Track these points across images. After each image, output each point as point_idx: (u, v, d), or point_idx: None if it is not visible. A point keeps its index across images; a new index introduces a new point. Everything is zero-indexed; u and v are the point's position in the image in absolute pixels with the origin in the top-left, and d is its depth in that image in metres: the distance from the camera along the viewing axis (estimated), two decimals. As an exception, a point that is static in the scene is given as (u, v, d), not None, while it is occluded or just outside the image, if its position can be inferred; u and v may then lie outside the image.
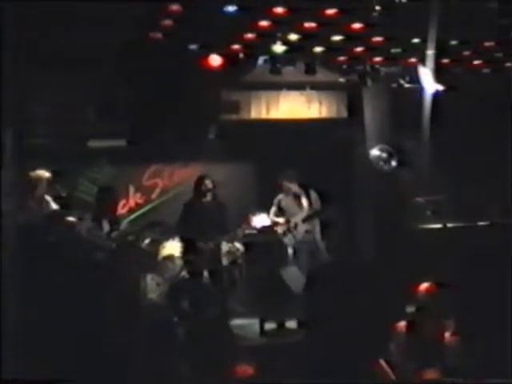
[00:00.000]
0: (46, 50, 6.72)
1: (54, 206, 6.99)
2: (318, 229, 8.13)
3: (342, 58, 8.06)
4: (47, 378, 4.46)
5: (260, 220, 8.27)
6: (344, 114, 9.26)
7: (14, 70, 5.76)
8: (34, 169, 6.98)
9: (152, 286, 7.55)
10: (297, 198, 8.16)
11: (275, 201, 8.25)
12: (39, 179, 7.14)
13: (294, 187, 8.10)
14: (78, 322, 5.54)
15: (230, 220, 7.73)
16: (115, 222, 7.28)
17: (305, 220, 8.06)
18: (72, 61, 7.24)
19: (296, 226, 8.07)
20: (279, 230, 8.16)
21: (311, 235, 8.08)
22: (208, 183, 7.61)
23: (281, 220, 8.15)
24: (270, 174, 8.92)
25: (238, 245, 8.27)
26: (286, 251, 8.12)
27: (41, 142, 7.67)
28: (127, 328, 5.84)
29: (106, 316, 5.89)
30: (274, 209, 8.24)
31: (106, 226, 7.05)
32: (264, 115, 9.11)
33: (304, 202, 8.12)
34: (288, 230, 8.10)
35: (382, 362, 4.92)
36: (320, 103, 9.20)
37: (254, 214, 8.45)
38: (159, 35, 6.81)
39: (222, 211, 7.62)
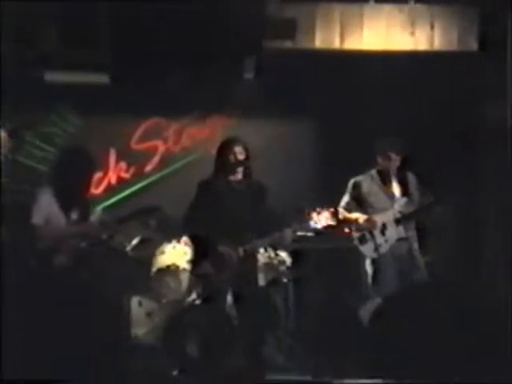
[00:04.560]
0: None
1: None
2: (415, 235, 7.67)
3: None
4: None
5: (320, 215, 7.36)
6: (472, 45, 8.65)
7: None
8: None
9: (139, 315, 7.40)
10: (388, 183, 7.73)
11: (350, 185, 7.76)
12: None
13: (394, 165, 7.68)
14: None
15: (271, 213, 7.17)
16: (84, 207, 6.94)
17: (399, 220, 7.61)
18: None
19: (385, 228, 7.65)
20: (355, 232, 7.69)
21: (406, 245, 7.61)
22: (239, 151, 7.03)
23: (360, 217, 7.69)
24: (339, 139, 8.78)
25: (282, 254, 7.86)
26: (363, 267, 7.71)
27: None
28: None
29: (62, 362, 5.79)
30: (347, 198, 7.77)
31: (68, 214, 6.80)
32: (336, 43, 8.63)
33: (398, 191, 7.70)
34: (370, 234, 7.64)
35: None
36: (431, 27, 8.65)
37: (310, 204, 7.51)
38: None
39: (260, 198, 7.13)
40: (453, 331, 6.16)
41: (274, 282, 7.80)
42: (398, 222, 7.60)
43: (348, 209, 7.78)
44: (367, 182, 7.77)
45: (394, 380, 6.11)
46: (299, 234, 7.46)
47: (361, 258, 7.74)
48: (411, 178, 7.74)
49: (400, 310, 6.80)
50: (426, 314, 6.42)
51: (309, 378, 6.99)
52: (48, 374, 5.56)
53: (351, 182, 7.79)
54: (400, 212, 7.63)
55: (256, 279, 7.30)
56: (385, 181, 7.76)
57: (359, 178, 7.78)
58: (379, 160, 7.72)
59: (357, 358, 6.74)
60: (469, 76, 8.67)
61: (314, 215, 7.01)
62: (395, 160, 7.69)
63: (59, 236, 6.69)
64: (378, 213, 7.63)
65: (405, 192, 7.73)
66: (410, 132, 8.07)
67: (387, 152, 7.70)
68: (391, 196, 7.71)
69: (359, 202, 7.78)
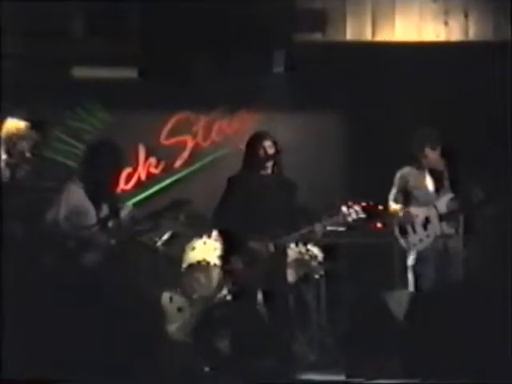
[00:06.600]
0: None
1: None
2: (461, 230, 7.60)
3: None
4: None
5: (351, 209, 7.34)
6: (509, 34, 8.48)
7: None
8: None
9: (171, 311, 7.32)
10: (436, 175, 7.69)
11: (398, 177, 7.74)
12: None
13: (435, 157, 7.58)
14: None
15: (301, 208, 7.23)
16: (114, 203, 6.88)
17: (443, 216, 7.59)
18: None
19: (427, 222, 7.62)
20: (396, 225, 7.68)
21: (448, 242, 7.57)
22: (269, 146, 7.05)
23: (399, 209, 7.69)
24: (370, 133, 8.76)
25: (314, 249, 7.79)
26: (403, 262, 7.71)
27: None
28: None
29: (92, 361, 5.77)
30: (395, 190, 7.75)
31: (98, 211, 6.74)
32: (367, 35, 8.72)
33: (444, 186, 7.65)
34: (412, 228, 7.63)
35: None
36: (465, 15, 8.68)
37: (342, 198, 7.54)
38: None
39: (290, 192, 7.16)
40: (491, 331, 5.91)
41: (305, 278, 7.80)
42: (441, 217, 7.59)
43: (396, 201, 7.79)
44: (414, 174, 7.74)
45: (431, 380, 5.95)
46: (330, 228, 7.43)
47: (395, 252, 7.79)
48: (457, 173, 7.70)
49: (436, 307, 6.64)
50: (464, 312, 6.25)
51: (342, 375, 6.90)
52: (70, 375, 5.50)
53: (398, 174, 7.78)
54: (447, 207, 7.62)
55: (286, 275, 7.33)
56: (430, 174, 7.73)
57: (406, 170, 7.77)
58: (417, 156, 7.67)
59: (391, 355, 6.68)
60: (505, 67, 8.39)
61: (345, 209, 7.02)
62: (432, 154, 7.65)
63: (84, 232, 6.66)
64: (422, 206, 7.62)
65: (451, 188, 7.69)
66: (448, 126, 7.89)
67: (423, 147, 7.65)
68: (436, 190, 7.70)
69: (405, 194, 7.77)
